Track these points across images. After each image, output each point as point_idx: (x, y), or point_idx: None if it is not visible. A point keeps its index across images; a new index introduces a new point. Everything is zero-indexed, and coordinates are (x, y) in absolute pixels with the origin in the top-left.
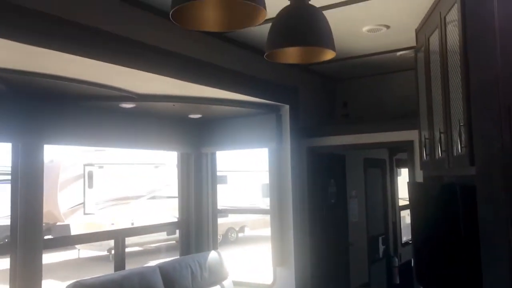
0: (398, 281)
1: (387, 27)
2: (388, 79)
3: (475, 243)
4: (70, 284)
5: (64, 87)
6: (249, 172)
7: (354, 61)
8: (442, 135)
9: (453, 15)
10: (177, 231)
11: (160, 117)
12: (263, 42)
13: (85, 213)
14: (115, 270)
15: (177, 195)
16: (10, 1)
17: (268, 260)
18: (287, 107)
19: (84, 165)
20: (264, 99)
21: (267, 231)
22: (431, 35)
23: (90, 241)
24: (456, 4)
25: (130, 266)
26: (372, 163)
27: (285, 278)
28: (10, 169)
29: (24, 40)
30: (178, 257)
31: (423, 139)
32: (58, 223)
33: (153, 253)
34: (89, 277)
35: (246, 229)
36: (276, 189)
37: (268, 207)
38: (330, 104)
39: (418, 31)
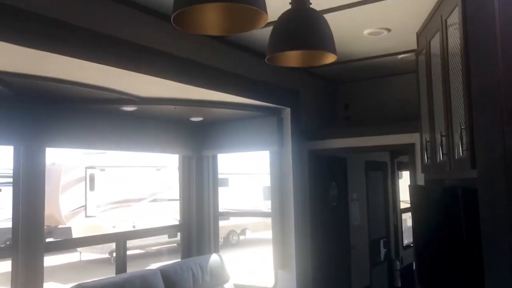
0: (399, 284)
1: (388, 30)
2: (389, 82)
3: (477, 246)
4: (72, 287)
5: (66, 90)
6: (251, 175)
7: (355, 64)
8: (443, 138)
9: (454, 18)
10: (179, 233)
11: (161, 120)
12: (265, 45)
13: (86, 216)
14: (117, 273)
15: (178, 197)
16: (11, 4)
17: (270, 263)
18: (288, 110)
19: (86, 168)
20: (265, 102)
21: (268, 234)
22: (432, 38)
23: (92, 244)
24: (457, 7)
25: (132, 269)
26: (373, 166)
27: (286, 281)
28: (12, 171)
29: (26, 44)
30: (180, 260)
31: (424, 142)
32: (60, 226)
33: (154, 256)
34: (90, 280)
35: (248, 232)
36: (277, 192)
37: (270, 210)
38: (331, 107)
39: (419, 34)
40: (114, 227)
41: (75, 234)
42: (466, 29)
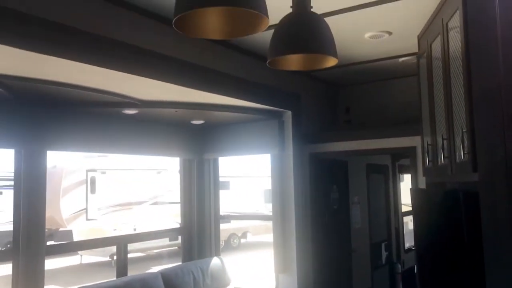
0: None
1: (389, 33)
2: (390, 85)
3: (478, 250)
4: None
5: (67, 94)
6: (252, 178)
7: (356, 67)
8: (444, 141)
9: (455, 21)
10: (179, 237)
11: (162, 123)
12: (266, 48)
13: (87, 219)
14: (117, 276)
15: (179, 201)
16: (12, 8)
17: (271, 266)
18: (289, 113)
19: (87, 171)
20: (266, 105)
21: (269, 237)
22: (433, 41)
23: (93, 247)
24: (458, 11)
25: (132, 272)
26: (374, 169)
27: (287, 284)
28: (13, 174)
29: (27, 47)
30: (180, 263)
31: (425, 145)
32: (61, 229)
33: (155, 259)
34: (91, 283)
35: (249, 235)
36: (278, 195)
37: (271, 213)
38: (332, 110)
39: (420, 37)
40: (115, 230)
41: (76, 237)
42: (467, 33)
